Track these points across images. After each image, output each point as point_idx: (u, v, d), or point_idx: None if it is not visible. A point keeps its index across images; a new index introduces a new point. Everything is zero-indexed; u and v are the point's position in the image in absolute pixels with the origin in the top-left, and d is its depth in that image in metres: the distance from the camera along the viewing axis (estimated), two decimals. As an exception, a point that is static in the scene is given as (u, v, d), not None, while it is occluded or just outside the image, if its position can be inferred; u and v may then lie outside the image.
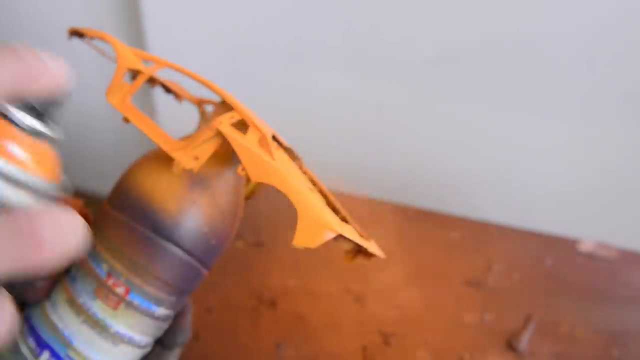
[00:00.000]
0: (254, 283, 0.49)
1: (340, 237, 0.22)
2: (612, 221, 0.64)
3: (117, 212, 0.25)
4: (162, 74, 0.32)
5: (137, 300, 0.24)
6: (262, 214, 0.55)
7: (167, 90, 0.34)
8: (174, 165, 0.23)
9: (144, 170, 0.25)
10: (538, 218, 0.61)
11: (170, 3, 0.66)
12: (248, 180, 0.26)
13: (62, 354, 0.24)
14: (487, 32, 0.57)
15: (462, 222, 0.57)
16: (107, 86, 0.25)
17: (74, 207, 0.27)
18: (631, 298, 0.49)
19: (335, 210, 0.31)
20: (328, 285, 0.49)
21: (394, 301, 0.48)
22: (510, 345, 0.44)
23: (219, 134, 0.23)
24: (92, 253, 0.25)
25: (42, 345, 0.24)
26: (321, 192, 0.31)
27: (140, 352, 0.26)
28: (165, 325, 0.26)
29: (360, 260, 0.27)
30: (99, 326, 0.24)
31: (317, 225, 0.21)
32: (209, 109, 0.33)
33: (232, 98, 0.26)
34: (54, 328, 0.24)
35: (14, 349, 0.24)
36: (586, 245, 0.54)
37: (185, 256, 0.25)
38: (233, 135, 0.23)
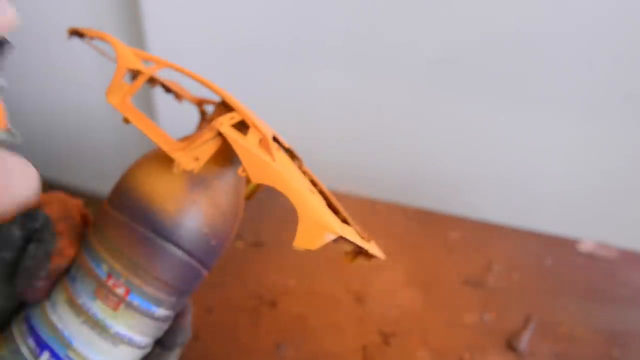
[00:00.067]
0: (254, 283, 0.49)
1: (340, 238, 0.22)
2: (612, 221, 0.64)
3: (117, 213, 0.25)
4: (162, 74, 0.32)
5: (137, 301, 0.24)
6: (262, 214, 0.55)
7: (167, 90, 0.34)
8: (174, 166, 0.23)
9: (144, 171, 0.25)
10: (538, 218, 0.61)
11: (170, 3, 0.66)
12: (248, 180, 0.26)
13: (61, 354, 0.24)
14: (488, 32, 0.57)
15: (462, 222, 0.57)
16: (107, 86, 0.25)
17: (74, 207, 0.27)
18: (631, 298, 0.49)
19: (335, 210, 0.31)
20: (328, 285, 0.49)
21: (394, 301, 0.48)
22: (510, 345, 0.44)
23: (220, 134, 0.23)
24: (92, 253, 0.25)
25: (41, 345, 0.24)
26: (321, 192, 0.31)
27: (140, 353, 0.26)
28: (165, 326, 0.26)
29: (360, 260, 0.27)
30: (98, 327, 0.24)
31: (317, 227, 0.21)
32: (209, 109, 0.33)
33: (232, 98, 0.26)
34: (54, 328, 0.24)
35: (14, 349, 0.24)
36: (586, 245, 0.54)
37: (185, 257, 0.25)
38: (233, 136, 0.23)
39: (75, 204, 0.27)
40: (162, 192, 0.24)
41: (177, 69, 0.26)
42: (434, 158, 0.69)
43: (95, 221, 0.26)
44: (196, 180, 0.25)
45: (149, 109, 0.76)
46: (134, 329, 0.25)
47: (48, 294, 0.25)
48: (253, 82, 0.67)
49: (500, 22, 0.56)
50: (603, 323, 0.47)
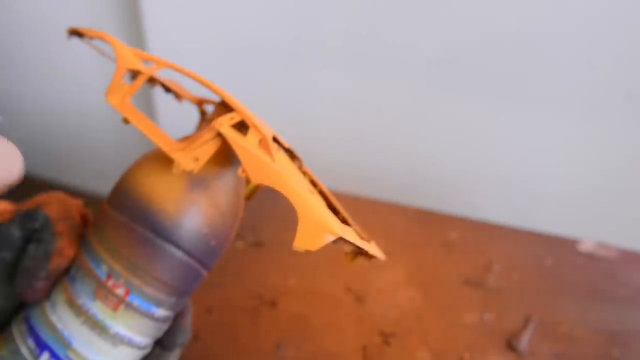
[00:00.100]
0: (254, 283, 0.49)
1: (340, 239, 0.22)
2: (612, 221, 0.64)
3: (117, 213, 0.25)
4: (161, 74, 0.32)
5: (136, 302, 0.24)
6: (262, 214, 0.55)
7: (167, 89, 0.34)
8: (174, 166, 0.23)
9: (144, 171, 0.25)
10: (538, 218, 0.61)
11: (170, 3, 0.66)
12: (248, 180, 0.26)
13: (61, 354, 0.24)
14: (488, 32, 0.57)
15: (462, 222, 0.57)
16: (107, 86, 0.25)
17: (74, 207, 0.27)
18: (631, 298, 0.49)
19: (335, 211, 0.31)
20: (328, 285, 0.49)
21: (394, 301, 0.48)
22: (510, 345, 0.44)
23: (219, 135, 0.23)
24: (92, 253, 0.25)
25: (41, 345, 0.24)
26: (321, 192, 0.31)
27: (140, 353, 0.26)
28: (165, 326, 0.26)
29: (360, 261, 0.27)
30: (98, 327, 0.24)
31: (317, 228, 0.21)
32: (209, 108, 0.33)
33: (232, 98, 0.26)
34: (54, 329, 0.24)
35: (14, 349, 0.24)
36: (586, 245, 0.54)
37: (185, 257, 0.25)
38: (233, 136, 0.23)
39: (75, 204, 0.27)
40: (162, 192, 0.24)
41: (177, 69, 0.26)
42: (434, 158, 0.69)
43: (95, 221, 0.26)
44: (196, 181, 0.25)
45: (149, 109, 0.76)
46: (134, 329, 0.25)
47: (48, 294, 0.25)
48: (253, 82, 0.67)
49: (500, 22, 0.56)
50: (603, 323, 0.47)
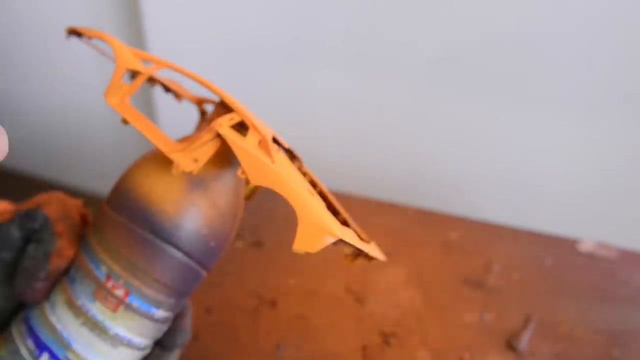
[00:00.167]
0: (254, 283, 0.49)
1: (340, 241, 0.22)
2: (612, 221, 0.64)
3: (116, 214, 0.25)
4: (161, 73, 0.32)
5: (136, 303, 0.24)
6: (262, 214, 0.55)
7: (167, 89, 0.33)
8: (173, 167, 0.23)
9: (143, 172, 0.25)
10: (538, 218, 0.61)
11: (170, 3, 0.66)
12: (248, 181, 0.26)
13: (61, 355, 0.24)
14: (487, 32, 0.57)
15: (462, 222, 0.57)
16: (106, 86, 0.25)
17: (73, 207, 0.27)
18: (631, 298, 0.49)
19: (335, 211, 0.31)
20: (328, 285, 0.49)
21: (394, 301, 0.48)
22: (510, 345, 0.44)
23: (219, 136, 0.23)
24: (91, 254, 0.25)
25: (41, 346, 0.24)
26: (321, 193, 0.31)
27: (139, 354, 0.26)
28: (164, 327, 0.26)
29: (360, 261, 0.27)
30: (98, 328, 0.24)
31: (317, 230, 0.21)
32: (209, 108, 0.33)
33: (232, 99, 0.26)
34: (53, 329, 0.24)
35: (13, 349, 0.24)
36: (586, 245, 0.54)
37: (184, 258, 0.25)
38: (233, 137, 0.23)
39: (75, 204, 0.27)
40: (161, 193, 0.24)
41: (177, 69, 0.26)
42: (434, 158, 0.69)
43: (94, 222, 0.26)
44: (195, 182, 0.25)
45: (149, 109, 0.76)
46: (134, 330, 0.25)
47: (47, 295, 0.25)
48: (253, 82, 0.67)
49: (500, 22, 0.56)
50: (603, 323, 0.47)
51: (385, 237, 0.54)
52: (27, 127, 0.90)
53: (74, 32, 0.29)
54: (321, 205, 0.23)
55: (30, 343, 0.24)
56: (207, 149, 0.23)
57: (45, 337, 0.24)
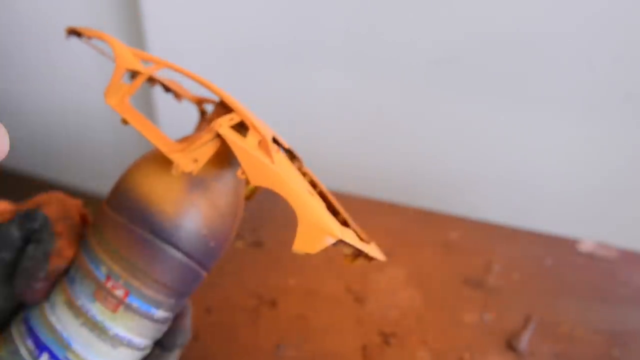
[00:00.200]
0: (254, 283, 0.49)
1: (340, 241, 0.22)
2: (612, 221, 0.64)
3: (116, 214, 0.25)
4: (161, 73, 0.32)
5: (136, 303, 0.24)
6: (262, 214, 0.55)
7: (167, 89, 0.33)
8: (173, 168, 0.23)
9: (143, 172, 0.25)
10: (538, 218, 0.61)
11: (170, 3, 0.66)
12: (248, 181, 0.26)
13: (60, 355, 0.24)
14: (487, 32, 0.57)
15: (462, 222, 0.57)
16: (106, 87, 0.25)
17: (73, 207, 0.27)
18: (631, 298, 0.49)
19: (335, 211, 0.31)
20: (328, 285, 0.49)
21: (393, 301, 0.48)
22: (510, 345, 0.44)
23: (218, 136, 0.23)
24: (91, 255, 0.24)
25: (40, 347, 0.24)
26: (321, 193, 0.31)
27: (139, 355, 0.26)
28: (164, 328, 0.26)
29: (360, 262, 0.27)
30: (97, 328, 0.24)
31: (317, 231, 0.21)
32: (209, 107, 0.33)
33: (232, 99, 0.26)
34: (53, 330, 0.24)
35: (13, 350, 0.24)
36: (586, 245, 0.54)
37: (184, 259, 0.25)
38: (232, 138, 0.23)
39: (74, 204, 0.27)
40: (161, 193, 0.24)
41: (176, 69, 0.26)
42: (434, 158, 0.69)
43: (94, 222, 0.26)
44: (195, 182, 0.25)
45: (149, 109, 0.76)
46: (133, 330, 0.24)
47: (47, 295, 0.25)
48: (253, 82, 0.67)
49: (500, 22, 0.56)
50: (603, 323, 0.47)
51: (385, 237, 0.54)
52: (27, 127, 0.90)
53: (74, 32, 0.29)
54: (321, 205, 0.23)
55: (30, 343, 0.24)
56: (206, 149, 0.23)
57: (45, 337, 0.24)
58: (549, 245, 0.54)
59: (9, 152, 0.18)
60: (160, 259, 0.24)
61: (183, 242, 0.24)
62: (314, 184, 0.32)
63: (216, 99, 0.27)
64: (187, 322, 0.28)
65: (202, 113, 0.33)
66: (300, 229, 0.21)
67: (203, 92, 0.32)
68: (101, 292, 0.24)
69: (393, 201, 0.59)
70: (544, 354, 0.44)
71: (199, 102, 0.33)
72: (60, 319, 0.24)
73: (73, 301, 0.24)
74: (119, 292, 0.24)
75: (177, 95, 0.34)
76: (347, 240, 0.22)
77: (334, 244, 0.22)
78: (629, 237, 0.56)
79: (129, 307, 0.24)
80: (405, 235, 0.55)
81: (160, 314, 0.25)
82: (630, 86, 0.56)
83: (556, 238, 0.55)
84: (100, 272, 0.24)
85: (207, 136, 0.23)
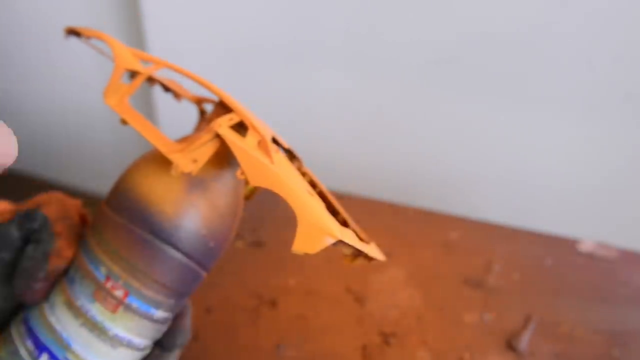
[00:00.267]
0: (254, 283, 0.49)
1: (340, 242, 0.22)
2: (612, 221, 0.64)
3: (115, 214, 0.25)
4: (161, 73, 0.32)
5: (135, 303, 0.24)
6: (262, 214, 0.55)
7: (166, 88, 0.33)
8: (172, 168, 0.23)
9: (142, 172, 0.25)
10: (538, 218, 0.61)
11: (170, 3, 0.66)
12: (247, 181, 0.26)
13: (60, 356, 0.24)
14: (487, 32, 0.57)
15: (462, 222, 0.57)
16: (105, 87, 0.25)
17: (73, 207, 0.27)
18: (631, 298, 0.49)
19: (334, 211, 0.31)
20: (328, 285, 0.49)
21: (394, 301, 0.48)
22: (510, 345, 0.44)
23: (218, 136, 0.23)
24: (90, 255, 0.24)
25: (40, 347, 0.24)
26: (321, 193, 0.31)
27: (139, 355, 0.26)
28: (164, 328, 0.26)
29: (360, 262, 0.27)
30: (97, 329, 0.24)
31: (316, 231, 0.21)
32: (209, 107, 0.33)
33: (231, 99, 0.26)
34: (53, 330, 0.24)
35: (13, 350, 0.24)
36: (586, 245, 0.54)
37: (183, 259, 0.25)
38: (232, 138, 0.23)
39: (74, 204, 0.27)
40: (160, 193, 0.24)
41: (176, 69, 0.26)
42: (434, 158, 0.69)
43: (93, 223, 0.26)
44: (194, 182, 0.25)
45: (148, 109, 0.76)
46: (133, 331, 0.24)
47: (46, 295, 0.25)
48: (253, 82, 0.67)
49: (500, 22, 0.56)
50: (603, 323, 0.47)
51: (385, 237, 0.54)
52: (27, 127, 0.90)
53: (73, 32, 0.29)
54: (320, 205, 0.23)
55: (29, 344, 0.24)
56: (206, 150, 0.23)
57: (45, 337, 0.24)
58: (549, 245, 0.54)
59: (9, 152, 0.18)
60: (159, 259, 0.24)
61: (183, 242, 0.24)
62: (313, 184, 0.32)
63: (216, 98, 0.27)
64: (187, 322, 0.28)
65: (202, 113, 0.33)
66: (299, 229, 0.21)
67: (203, 92, 0.32)
68: (101, 293, 0.24)
69: (393, 201, 0.59)
70: (544, 354, 0.44)
71: (199, 101, 0.33)
72: (60, 320, 0.24)
73: (72, 301, 0.24)
74: (119, 293, 0.24)
75: (177, 95, 0.34)
76: (347, 240, 0.22)
77: (334, 244, 0.22)
78: (629, 237, 0.56)
79: (128, 308, 0.24)
80: (405, 235, 0.55)
81: (159, 314, 0.25)
82: (630, 86, 0.56)
83: (556, 238, 0.55)
84: (100, 273, 0.24)
85: (206, 136, 0.23)
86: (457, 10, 0.56)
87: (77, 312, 0.24)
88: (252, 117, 0.25)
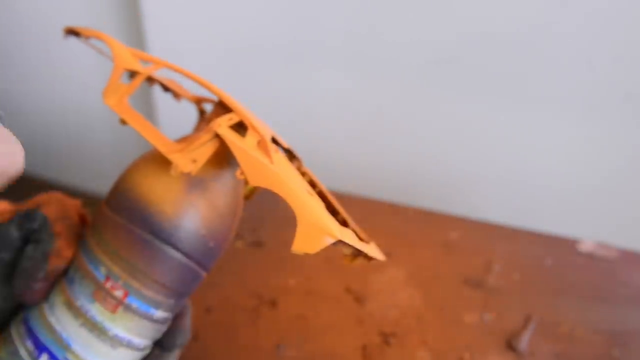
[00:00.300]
0: (254, 283, 0.49)
1: (340, 242, 0.22)
2: (612, 221, 0.64)
3: (115, 214, 0.25)
4: (161, 73, 0.32)
5: (135, 304, 0.24)
6: (262, 214, 0.55)
7: (165, 88, 0.33)
8: (172, 168, 0.23)
9: (142, 172, 0.25)
10: (538, 218, 0.61)
11: (170, 3, 0.66)
12: (247, 181, 0.26)
13: (60, 356, 0.24)
14: (487, 32, 0.57)
15: (462, 222, 0.57)
16: (104, 87, 0.25)
17: (72, 207, 0.27)
18: (631, 298, 0.49)
19: (334, 211, 0.31)
20: (328, 285, 0.49)
21: (394, 301, 0.48)
22: (510, 345, 0.44)
23: (217, 136, 0.23)
24: (90, 255, 0.24)
25: (40, 347, 0.24)
26: (321, 193, 0.31)
27: (139, 355, 0.26)
28: (163, 328, 0.26)
29: (360, 262, 0.27)
30: (97, 329, 0.24)
31: (316, 231, 0.21)
32: (208, 107, 0.33)
33: (231, 99, 0.26)
34: (52, 330, 0.24)
35: (13, 350, 0.24)
36: (586, 245, 0.54)
37: (183, 259, 0.25)
38: (231, 138, 0.23)
39: (73, 204, 0.27)
40: (160, 194, 0.24)
41: (175, 69, 0.26)
42: (434, 158, 0.69)
43: (93, 223, 0.26)
44: (194, 182, 0.25)
45: (148, 108, 0.76)
46: (133, 331, 0.24)
47: (46, 295, 0.25)
48: (253, 82, 0.67)
49: (500, 22, 0.56)
50: (603, 323, 0.47)
51: (385, 237, 0.54)
52: (27, 127, 0.90)
53: (72, 32, 0.29)
54: (320, 205, 0.23)
55: (29, 344, 0.24)
56: (205, 150, 0.23)
57: (45, 338, 0.24)
58: (549, 245, 0.54)
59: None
60: (159, 259, 0.24)
61: (182, 242, 0.24)
62: (313, 184, 0.32)
63: (215, 98, 0.27)
64: (187, 322, 0.28)
65: (201, 113, 0.33)
66: (299, 229, 0.21)
67: (203, 92, 0.32)
68: (100, 293, 0.24)
69: (393, 201, 0.59)
70: (544, 354, 0.44)
71: (198, 101, 0.33)
72: (60, 320, 0.24)
73: (72, 302, 0.24)
74: (118, 293, 0.24)
75: (176, 95, 0.34)
76: (347, 240, 0.22)
77: (334, 244, 0.22)
78: (629, 237, 0.56)
79: (128, 308, 0.24)
80: (405, 235, 0.55)
81: (159, 314, 0.25)
82: (630, 86, 0.56)
83: (556, 238, 0.55)
84: (100, 273, 0.24)
85: (206, 136, 0.23)
86: (457, 10, 0.56)
87: (77, 312, 0.24)
88: (251, 117, 0.25)
